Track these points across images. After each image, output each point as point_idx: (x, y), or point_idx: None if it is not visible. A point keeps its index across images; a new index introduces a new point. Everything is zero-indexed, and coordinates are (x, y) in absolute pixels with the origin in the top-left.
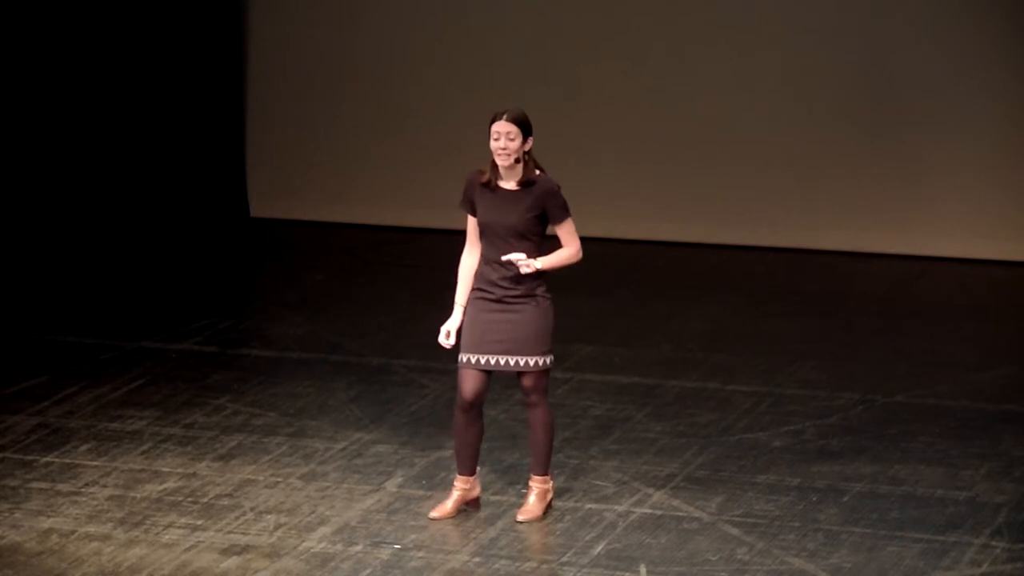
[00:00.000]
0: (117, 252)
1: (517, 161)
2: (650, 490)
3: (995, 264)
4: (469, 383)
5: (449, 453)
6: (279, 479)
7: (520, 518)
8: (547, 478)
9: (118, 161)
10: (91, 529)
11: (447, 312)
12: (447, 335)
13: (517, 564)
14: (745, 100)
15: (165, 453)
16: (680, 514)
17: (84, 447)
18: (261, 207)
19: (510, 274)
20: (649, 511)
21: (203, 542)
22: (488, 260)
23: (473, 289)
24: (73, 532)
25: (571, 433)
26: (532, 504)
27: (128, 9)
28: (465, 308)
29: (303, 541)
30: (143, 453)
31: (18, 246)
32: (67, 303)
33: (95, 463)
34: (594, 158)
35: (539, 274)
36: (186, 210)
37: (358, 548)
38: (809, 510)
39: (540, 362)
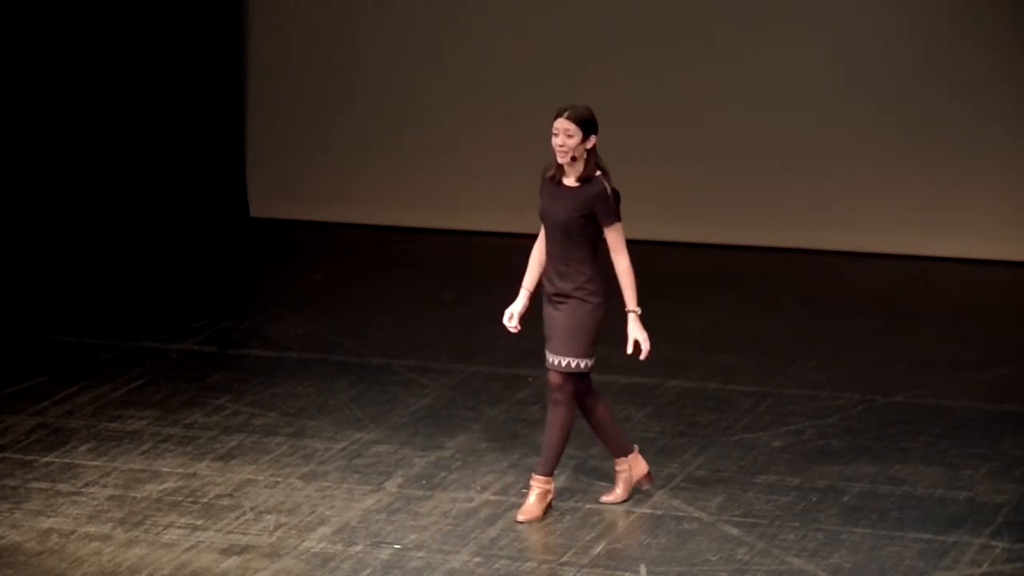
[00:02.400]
0: (117, 252)
1: (575, 159)
2: (650, 490)
3: (995, 264)
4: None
5: (449, 453)
6: (279, 479)
7: (520, 518)
8: (549, 479)
9: (118, 161)
10: (91, 529)
11: (447, 312)
12: (510, 317)
13: (517, 564)
14: (745, 100)
15: (165, 453)
16: (680, 514)
17: (84, 447)
18: (261, 207)
19: (560, 270)
20: (649, 511)
21: (203, 542)
22: (548, 253)
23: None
24: (73, 532)
25: (571, 433)
26: (532, 504)
27: (128, 9)
28: (531, 294)
29: (303, 541)
30: (143, 453)
31: (18, 246)
32: (67, 303)
33: (95, 463)
34: None
35: (590, 275)
36: (186, 210)
37: (358, 548)
38: (809, 510)
39: (563, 362)
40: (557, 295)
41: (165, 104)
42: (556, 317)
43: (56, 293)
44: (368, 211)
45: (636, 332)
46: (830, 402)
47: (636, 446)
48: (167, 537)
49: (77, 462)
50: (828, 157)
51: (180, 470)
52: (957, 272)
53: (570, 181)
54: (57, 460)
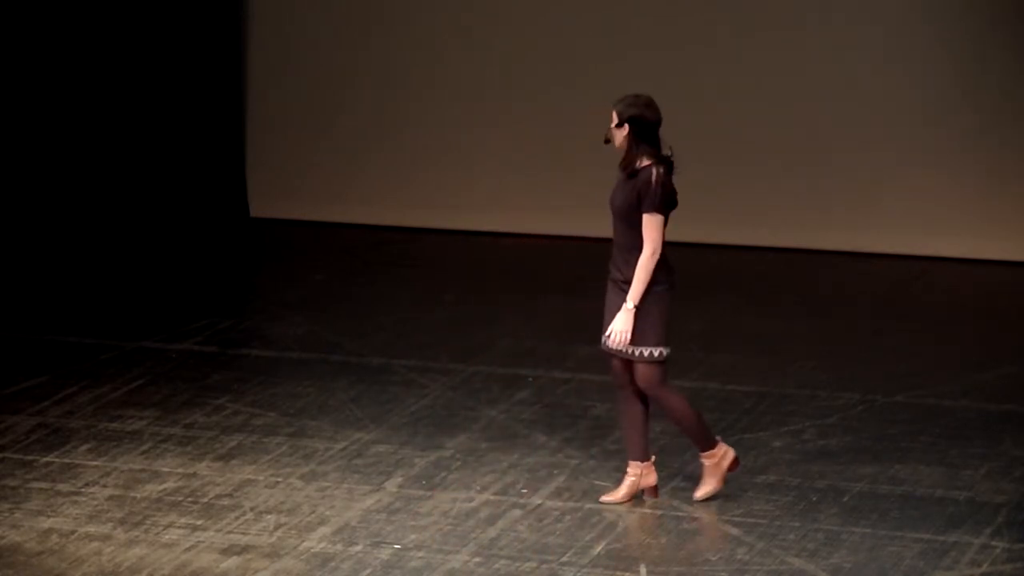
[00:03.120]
0: (117, 252)
1: (626, 149)
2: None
3: (995, 264)
4: (611, 363)
5: (449, 453)
6: (279, 479)
7: (697, 495)
8: (713, 452)
9: (118, 161)
10: (91, 529)
11: (447, 312)
12: None
13: (517, 564)
14: (745, 100)
15: (165, 453)
16: (680, 514)
17: (84, 447)
18: (261, 207)
19: (624, 257)
20: (649, 511)
21: (203, 542)
22: (614, 241)
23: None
24: (73, 532)
25: (571, 433)
26: (705, 480)
27: (128, 10)
28: None
29: (303, 541)
30: (143, 453)
31: (18, 246)
32: (67, 303)
33: (95, 463)
34: (594, 159)
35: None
36: (186, 210)
37: (358, 548)
38: (809, 510)
39: (632, 351)
40: (623, 282)
41: (165, 105)
42: (620, 305)
43: (56, 293)
44: (368, 211)
45: (618, 322)
46: (830, 402)
47: (654, 456)
48: (167, 537)
49: (77, 462)
50: (828, 157)
51: (180, 470)
52: (957, 272)
53: (628, 168)
54: (57, 460)
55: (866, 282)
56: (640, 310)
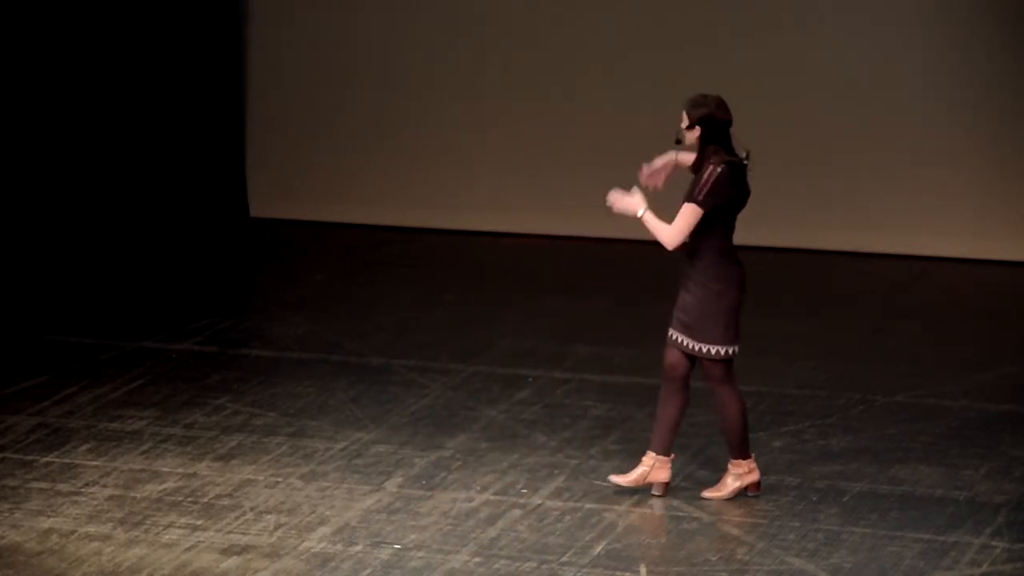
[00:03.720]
0: (117, 252)
1: (696, 148)
2: (650, 492)
3: (995, 264)
4: (665, 353)
5: (449, 453)
6: (279, 479)
7: (706, 494)
8: (739, 462)
9: (118, 161)
10: (91, 529)
11: (447, 312)
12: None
13: (517, 564)
14: (745, 100)
15: (165, 453)
16: (680, 514)
17: (84, 447)
18: (261, 207)
19: (691, 252)
20: (649, 511)
21: (203, 542)
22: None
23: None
24: (73, 532)
25: (571, 433)
26: (724, 483)
27: (128, 10)
28: (676, 163)
29: (303, 541)
30: (143, 453)
31: (18, 246)
32: (67, 303)
33: (95, 463)
34: (594, 159)
35: (710, 260)
36: (186, 210)
37: (358, 548)
38: (809, 510)
39: (695, 347)
40: (686, 277)
41: (165, 105)
42: (687, 300)
43: (56, 293)
44: (368, 211)
45: (625, 196)
46: (830, 402)
47: (673, 455)
48: (167, 537)
49: (77, 462)
50: (828, 157)
51: (180, 470)
52: (957, 272)
53: (695, 170)
54: (57, 460)
55: (866, 282)
56: (704, 309)
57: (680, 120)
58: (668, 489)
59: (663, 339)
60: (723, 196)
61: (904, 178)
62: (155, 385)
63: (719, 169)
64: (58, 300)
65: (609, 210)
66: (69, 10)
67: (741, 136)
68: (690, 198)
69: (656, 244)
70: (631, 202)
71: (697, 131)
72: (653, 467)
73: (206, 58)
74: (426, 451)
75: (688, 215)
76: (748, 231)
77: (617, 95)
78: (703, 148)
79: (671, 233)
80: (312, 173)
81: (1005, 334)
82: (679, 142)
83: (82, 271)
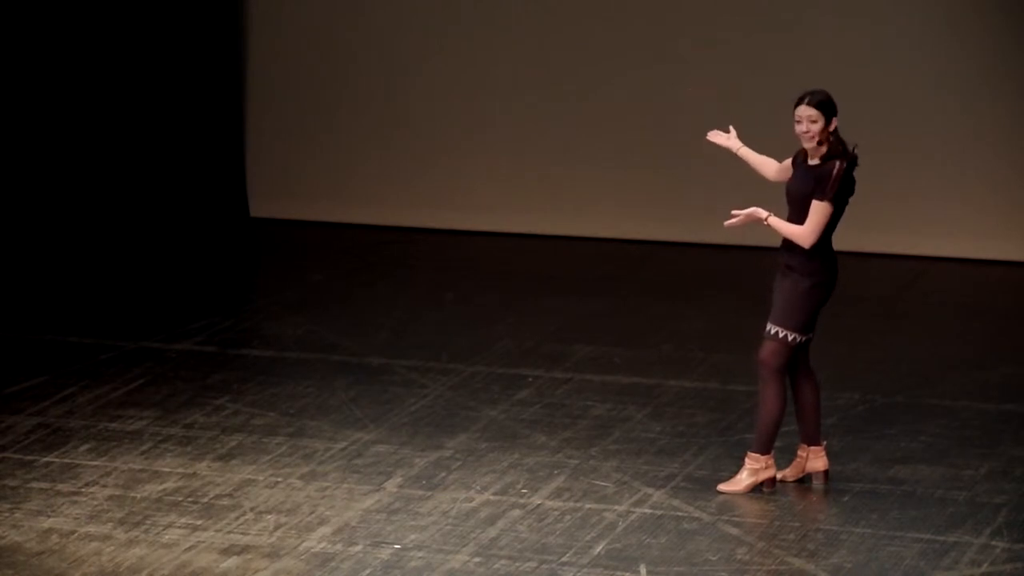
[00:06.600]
0: (117, 252)
1: (821, 143)
2: (650, 490)
3: (995, 264)
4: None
5: (449, 453)
6: (279, 479)
7: (722, 487)
8: (757, 456)
9: (118, 161)
10: (91, 529)
11: (447, 312)
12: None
13: (517, 564)
14: (745, 100)
15: (165, 453)
16: (680, 514)
17: (84, 447)
18: (261, 207)
19: (787, 243)
20: (649, 511)
21: (203, 542)
22: None
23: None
24: (73, 532)
25: (571, 433)
26: (740, 478)
27: (128, 9)
28: (739, 150)
29: (303, 541)
30: (143, 453)
31: (18, 246)
32: (67, 303)
33: (95, 463)
34: (594, 158)
35: (809, 254)
36: (186, 210)
37: (358, 548)
38: (809, 510)
39: (773, 330)
40: (786, 265)
41: (165, 104)
42: (781, 287)
43: (56, 293)
44: (368, 211)
45: (747, 212)
46: (830, 402)
47: (825, 442)
48: (167, 537)
49: (77, 462)
50: None
51: (180, 470)
52: (957, 272)
53: (814, 160)
54: (57, 460)
55: (866, 282)
56: (794, 294)
57: (808, 120)
58: (828, 479)
59: (663, 339)
60: (847, 190)
61: (904, 178)
62: (155, 385)
63: (843, 163)
64: (58, 300)
65: (611, 210)
66: (69, 11)
67: (743, 136)
68: (821, 195)
69: (656, 244)
70: (753, 213)
71: (833, 124)
72: (806, 459)
73: (206, 58)
74: (426, 451)
75: (822, 213)
76: (748, 231)
77: (618, 95)
78: (830, 139)
79: (806, 233)
80: (312, 173)
81: (1005, 334)
82: (821, 143)
83: (82, 271)
